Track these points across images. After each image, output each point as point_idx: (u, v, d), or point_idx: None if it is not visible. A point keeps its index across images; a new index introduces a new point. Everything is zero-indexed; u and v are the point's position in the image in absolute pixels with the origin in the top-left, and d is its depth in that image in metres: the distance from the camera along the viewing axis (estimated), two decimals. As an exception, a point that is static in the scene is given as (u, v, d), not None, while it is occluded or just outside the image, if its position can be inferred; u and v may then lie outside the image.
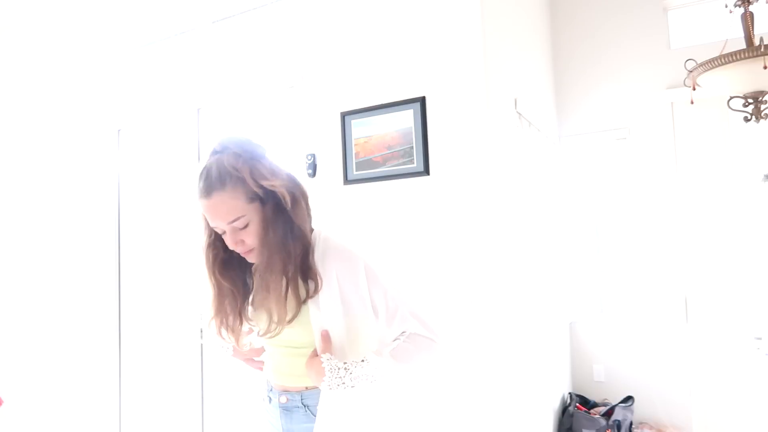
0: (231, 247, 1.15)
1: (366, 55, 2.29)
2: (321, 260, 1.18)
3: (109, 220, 3.01)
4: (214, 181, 1.12)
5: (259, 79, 2.57)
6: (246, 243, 1.15)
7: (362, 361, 1.14)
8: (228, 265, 1.23)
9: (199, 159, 2.80)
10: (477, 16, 2.08)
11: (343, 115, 2.30)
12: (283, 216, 1.15)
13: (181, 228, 2.82)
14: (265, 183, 1.13)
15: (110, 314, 2.99)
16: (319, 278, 1.16)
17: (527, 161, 2.65)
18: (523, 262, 2.47)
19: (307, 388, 1.22)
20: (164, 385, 2.86)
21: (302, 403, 1.23)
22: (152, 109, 2.93)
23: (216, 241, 1.22)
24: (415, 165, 2.14)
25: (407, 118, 2.16)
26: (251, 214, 1.13)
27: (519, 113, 2.55)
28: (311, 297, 1.15)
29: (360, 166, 2.26)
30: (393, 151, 2.19)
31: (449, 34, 2.12)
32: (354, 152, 2.27)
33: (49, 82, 3.22)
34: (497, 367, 2.02)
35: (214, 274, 1.22)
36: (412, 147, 2.15)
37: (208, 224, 1.21)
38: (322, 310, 1.16)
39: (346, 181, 2.28)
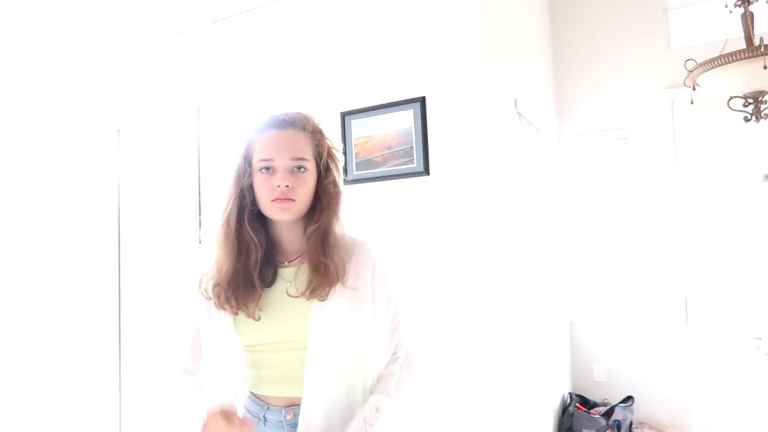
0: (277, 183, 1.09)
1: (366, 55, 2.29)
2: (347, 255, 1.15)
3: (109, 220, 3.01)
4: (295, 121, 1.14)
5: (259, 79, 2.57)
6: (294, 189, 1.10)
7: (376, 408, 1.11)
8: (255, 220, 1.16)
9: (199, 159, 2.80)
10: (477, 16, 2.08)
11: (343, 115, 2.30)
12: (335, 191, 1.17)
13: (181, 228, 2.82)
14: (334, 152, 1.20)
15: (110, 314, 2.98)
16: (341, 271, 1.12)
17: (527, 161, 2.65)
18: (523, 262, 2.47)
19: None
20: (164, 386, 2.86)
21: None
22: (152, 109, 2.93)
23: (247, 192, 1.14)
24: (415, 165, 2.14)
25: (407, 118, 2.16)
26: (312, 167, 1.13)
27: (519, 113, 2.55)
28: (341, 281, 1.11)
29: (360, 166, 2.26)
30: (393, 151, 2.19)
31: (449, 34, 2.12)
32: (354, 152, 2.27)
33: (50, 82, 3.22)
34: (497, 366, 2.02)
35: (241, 222, 1.13)
36: (412, 147, 2.15)
37: (246, 168, 1.14)
38: (333, 303, 1.11)
39: (346, 181, 2.28)
